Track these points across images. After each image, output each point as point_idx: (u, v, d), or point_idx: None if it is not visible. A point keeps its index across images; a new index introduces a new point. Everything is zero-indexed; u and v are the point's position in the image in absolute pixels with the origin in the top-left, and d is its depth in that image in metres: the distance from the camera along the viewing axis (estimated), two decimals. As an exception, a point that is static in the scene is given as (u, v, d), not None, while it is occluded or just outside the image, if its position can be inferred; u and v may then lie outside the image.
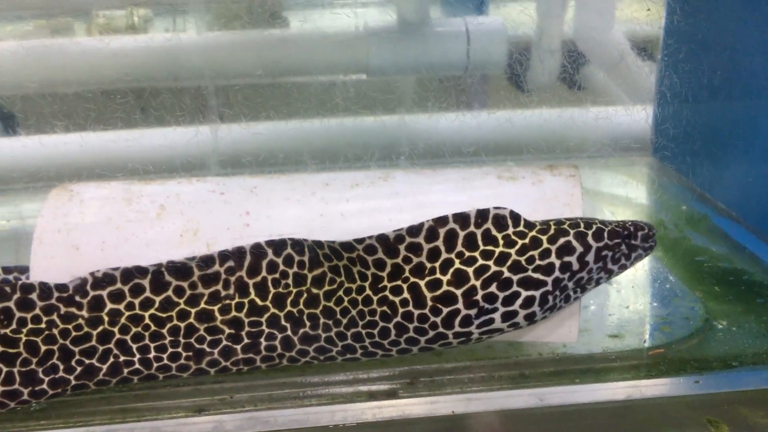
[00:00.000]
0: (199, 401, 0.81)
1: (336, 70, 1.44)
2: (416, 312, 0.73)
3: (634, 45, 1.51)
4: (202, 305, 0.77)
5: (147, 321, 0.77)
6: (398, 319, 0.74)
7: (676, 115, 1.33)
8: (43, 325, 0.77)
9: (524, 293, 0.72)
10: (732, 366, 0.85)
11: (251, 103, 1.43)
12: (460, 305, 0.73)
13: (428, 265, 0.73)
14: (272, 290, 0.77)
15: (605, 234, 0.75)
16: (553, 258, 0.73)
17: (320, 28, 1.44)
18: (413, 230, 0.73)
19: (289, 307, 0.77)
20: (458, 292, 0.72)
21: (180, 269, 0.77)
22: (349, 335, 0.77)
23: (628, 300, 1.00)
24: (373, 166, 1.17)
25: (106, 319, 0.77)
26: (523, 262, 0.72)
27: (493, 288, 0.72)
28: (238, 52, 1.45)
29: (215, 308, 0.77)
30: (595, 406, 0.79)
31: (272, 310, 0.77)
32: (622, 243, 0.76)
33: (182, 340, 0.78)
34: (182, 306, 0.77)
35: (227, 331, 0.77)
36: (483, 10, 1.61)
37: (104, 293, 0.77)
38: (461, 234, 0.73)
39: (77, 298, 0.77)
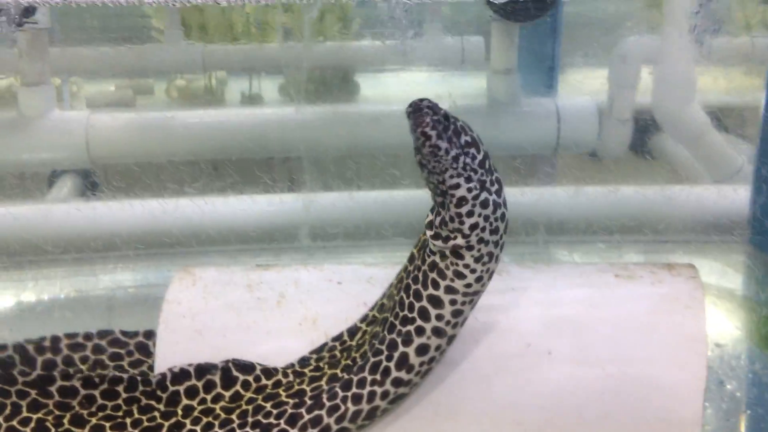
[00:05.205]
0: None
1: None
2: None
3: (722, 120, 1.50)
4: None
5: (218, 411, 0.78)
6: None
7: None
8: (120, 413, 0.78)
9: None
10: None
11: (337, 174, 1.46)
12: None
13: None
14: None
15: None
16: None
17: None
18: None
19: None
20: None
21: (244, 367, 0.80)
22: None
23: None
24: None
25: (180, 413, 0.79)
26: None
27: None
28: (327, 125, 1.48)
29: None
30: None
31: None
32: None
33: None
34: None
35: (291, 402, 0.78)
36: (553, 79, 1.62)
37: (181, 388, 0.79)
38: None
39: (158, 393, 0.79)
